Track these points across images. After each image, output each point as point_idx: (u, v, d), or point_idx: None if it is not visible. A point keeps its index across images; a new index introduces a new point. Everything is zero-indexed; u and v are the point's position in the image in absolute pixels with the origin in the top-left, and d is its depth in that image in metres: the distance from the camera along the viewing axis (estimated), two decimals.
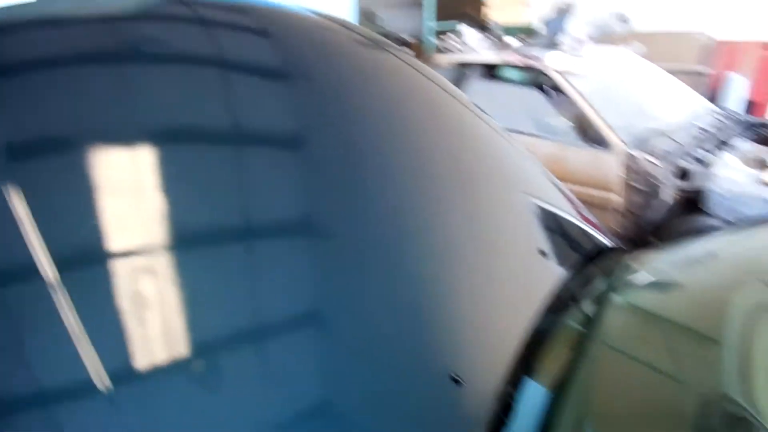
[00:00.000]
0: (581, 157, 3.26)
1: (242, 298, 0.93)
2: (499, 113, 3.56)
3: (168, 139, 0.99)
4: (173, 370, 0.74)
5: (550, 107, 3.48)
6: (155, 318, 0.77)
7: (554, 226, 1.77)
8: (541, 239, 1.68)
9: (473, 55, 3.85)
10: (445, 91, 1.86)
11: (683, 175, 3.02)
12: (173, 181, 0.92)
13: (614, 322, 1.33)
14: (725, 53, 4.71)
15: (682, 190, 3.03)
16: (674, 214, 3.06)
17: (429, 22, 5.69)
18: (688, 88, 4.01)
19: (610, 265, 1.62)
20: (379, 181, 1.33)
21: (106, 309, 0.73)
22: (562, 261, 1.59)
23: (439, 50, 4.20)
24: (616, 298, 1.39)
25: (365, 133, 1.39)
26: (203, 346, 0.81)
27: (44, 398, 0.67)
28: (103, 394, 0.68)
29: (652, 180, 3.06)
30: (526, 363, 1.17)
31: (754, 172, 2.89)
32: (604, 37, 4.12)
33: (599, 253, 1.66)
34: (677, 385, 1.21)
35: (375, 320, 1.07)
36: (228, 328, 0.84)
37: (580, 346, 1.25)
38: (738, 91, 4.51)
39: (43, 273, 0.71)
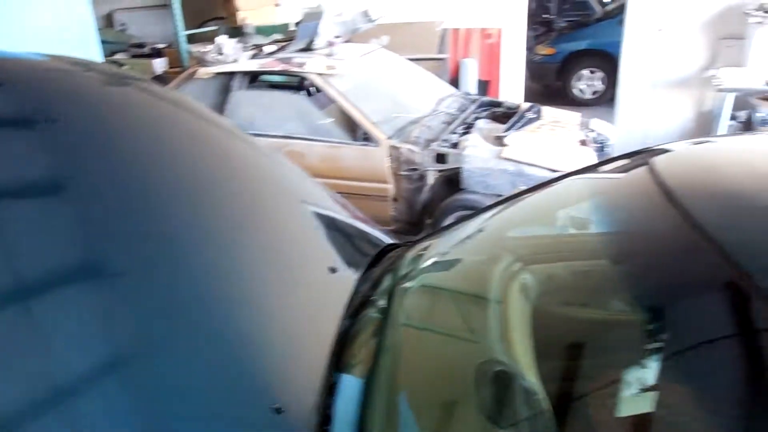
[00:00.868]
0: (352, 153, 3.49)
1: (34, 361, 0.88)
2: (268, 120, 3.65)
3: None
4: None
5: (317, 110, 3.64)
6: None
7: (337, 235, 1.91)
8: (327, 250, 1.80)
9: (233, 65, 3.83)
10: (196, 115, 1.87)
11: (440, 158, 3.41)
12: None
13: (405, 305, 1.51)
14: (458, 40, 5.36)
15: (442, 172, 3.42)
16: (439, 194, 3.45)
17: (179, 27, 5.46)
18: (434, 75, 4.48)
19: (393, 259, 1.81)
20: (144, 224, 1.32)
21: None
22: (350, 266, 1.73)
23: (196, 59, 4.09)
24: (404, 285, 1.58)
25: (112, 170, 1.36)
26: None
27: None
28: None
29: (415, 167, 3.40)
30: (337, 365, 1.27)
31: (496, 148, 3.38)
32: (353, 34, 4.40)
33: (382, 251, 1.84)
34: (462, 343, 1.43)
35: (181, 366, 1.08)
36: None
37: (381, 333, 1.40)
38: (471, 73, 5.19)
39: None
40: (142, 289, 1.15)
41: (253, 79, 3.84)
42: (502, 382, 1.24)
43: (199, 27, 6.30)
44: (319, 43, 3.94)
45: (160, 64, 5.69)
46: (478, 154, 3.32)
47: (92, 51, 3.52)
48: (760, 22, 4.30)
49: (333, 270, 1.62)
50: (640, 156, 1.55)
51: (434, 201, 3.47)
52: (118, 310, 1.07)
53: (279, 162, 2.19)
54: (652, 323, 1.21)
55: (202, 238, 1.38)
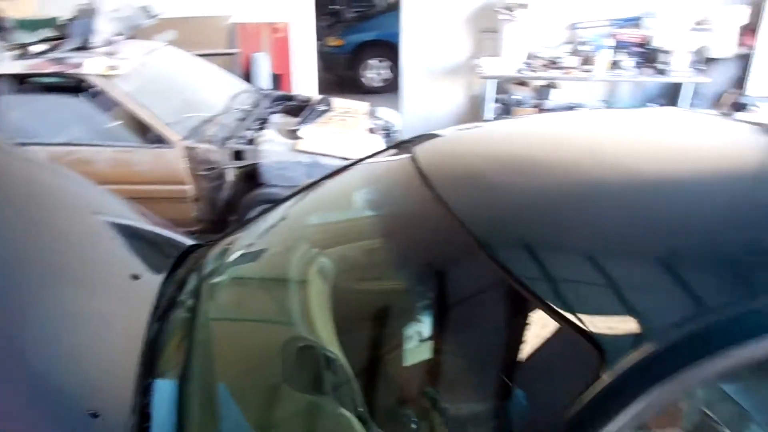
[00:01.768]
0: (144, 157, 3.39)
1: None
2: (45, 127, 3.39)
3: None
4: None
5: (102, 113, 3.46)
6: None
7: (136, 242, 1.92)
8: (127, 258, 1.82)
9: None
10: None
11: (238, 155, 3.47)
12: None
13: (213, 300, 1.61)
14: (247, 35, 5.39)
15: (241, 169, 3.50)
16: (240, 190, 3.53)
17: None
18: (225, 71, 4.48)
19: (196, 259, 1.88)
20: None
21: None
22: (153, 271, 1.77)
23: None
24: (210, 282, 1.67)
25: None
26: None
27: None
28: None
29: (213, 166, 3.43)
30: (150, 368, 1.33)
31: (290, 141, 3.54)
32: (135, 31, 4.22)
33: (184, 252, 1.91)
34: (270, 327, 1.57)
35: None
36: None
37: (191, 331, 1.48)
38: (264, 67, 5.28)
39: None
40: None
41: (22, 81, 3.52)
42: (308, 355, 1.41)
43: None
44: (96, 41, 3.73)
45: None
46: (274, 149, 3.45)
47: None
48: (507, 19, 5.00)
49: (135, 277, 1.65)
50: (408, 144, 1.81)
51: (236, 198, 3.53)
52: None
53: (61, 174, 2.10)
54: (421, 287, 1.47)
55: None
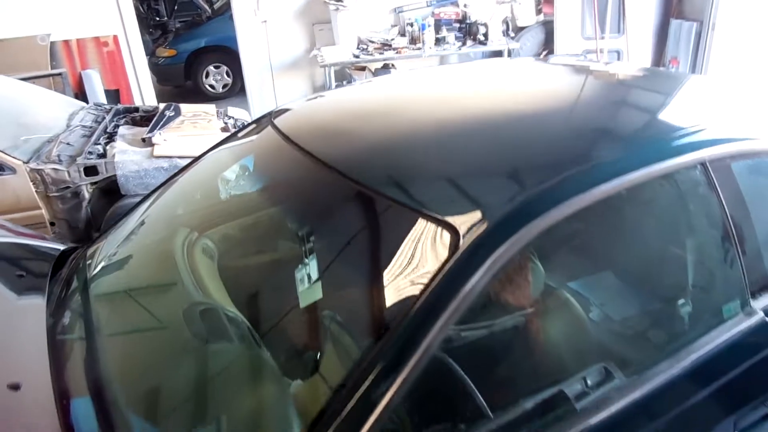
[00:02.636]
0: None
1: None
2: None
3: None
4: None
5: None
6: None
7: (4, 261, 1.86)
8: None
9: None
10: None
11: (90, 170, 3.34)
12: None
13: (101, 304, 1.61)
14: (71, 52, 5.10)
15: (96, 184, 3.37)
16: (100, 206, 3.40)
17: None
18: (56, 92, 4.25)
19: (75, 261, 1.87)
20: None
21: None
22: (28, 285, 1.74)
23: None
24: (95, 283, 1.67)
25: None
26: None
27: None
28: None
29: (66, 185, 3.28)
30: (63, 388, 1.33)
31: (145, 149, 3.47)
32: None
33: (60, 258, 1.88)
34: (168, 306, 1.61)
35: None
36: None
37: (89, 338, 1.49)
38: (97, 84, 5.04)
39: None
40: None
41: None
42: (209, 316, 1.49)
43: None
44: None
45: None
46: (130, 158, 3.37)
47: None
48: (337, 9, 5.24)
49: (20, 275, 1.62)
50: (260, 120, 1.94)
51: (97, 214, 3.41)
52: None
53: None
54: (307, 235, 1.60)
55: None
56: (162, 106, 4.19)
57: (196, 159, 2.07)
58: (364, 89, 2.09)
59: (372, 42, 5.46)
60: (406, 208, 1.18)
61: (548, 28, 5.96)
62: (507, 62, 2.38)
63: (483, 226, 1.08)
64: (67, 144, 3.46)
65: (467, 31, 5.55)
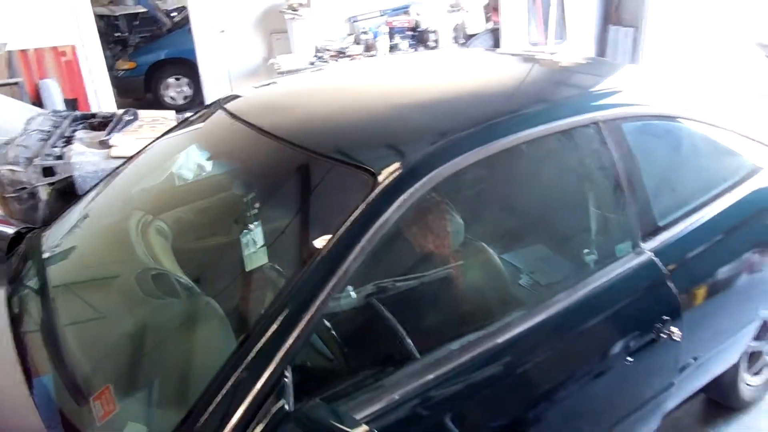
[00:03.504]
0: None
1: None
2: None
3: None
4: None
5: None
6: None
7: None
8: None
9: None
10: None
11: (48, 172, 3.41)
12: None
13: (60, 282, 1.70)
14: (29, 61, 5.14)
15: (53, 185, 3.43)
16: (57, 207, 3.46)
17: None
18: (13, 99, 4.29)
19: (29, 242, 1.95)
20: None
21: None
22: None
23: None
24: (50, 267, 1.76)
25: None
26: None
27: None
28: None
29: (23, 186, 3.34)
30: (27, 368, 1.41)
31: (103, 151, 3.55)
32: None
33: (13, 240, 1.96)
34: (125, 281, 1.70)
35: None
36: None
37: (50, 320, 1.57)
38: (55, 93, 5.08)
39: None
40: None
41: None
42: (160, 279, 1.60)
43: None
44: None
45: None
46: (87, 159, 3.45)
47: None
48: (293, 18, 5.41)
49: None
50: (213, 106, 2.08)
51: (54, 215, 3.46)
52: None
53: None
54: (251, 199, 1.71)
55: None
56: (120, 111, 4.27)
57: (148, 144, 2.18)
58: (311, 75, 2.27)
59: (328, 50, 5.64)
60: (335, 161, 1.34)
61: (497, 35, 6.24)
62: (458, 51, 2.60)
63: (398, 171, 1.24)
64: (25, 147, 3.52)
65: (419, 38, 5.78)
